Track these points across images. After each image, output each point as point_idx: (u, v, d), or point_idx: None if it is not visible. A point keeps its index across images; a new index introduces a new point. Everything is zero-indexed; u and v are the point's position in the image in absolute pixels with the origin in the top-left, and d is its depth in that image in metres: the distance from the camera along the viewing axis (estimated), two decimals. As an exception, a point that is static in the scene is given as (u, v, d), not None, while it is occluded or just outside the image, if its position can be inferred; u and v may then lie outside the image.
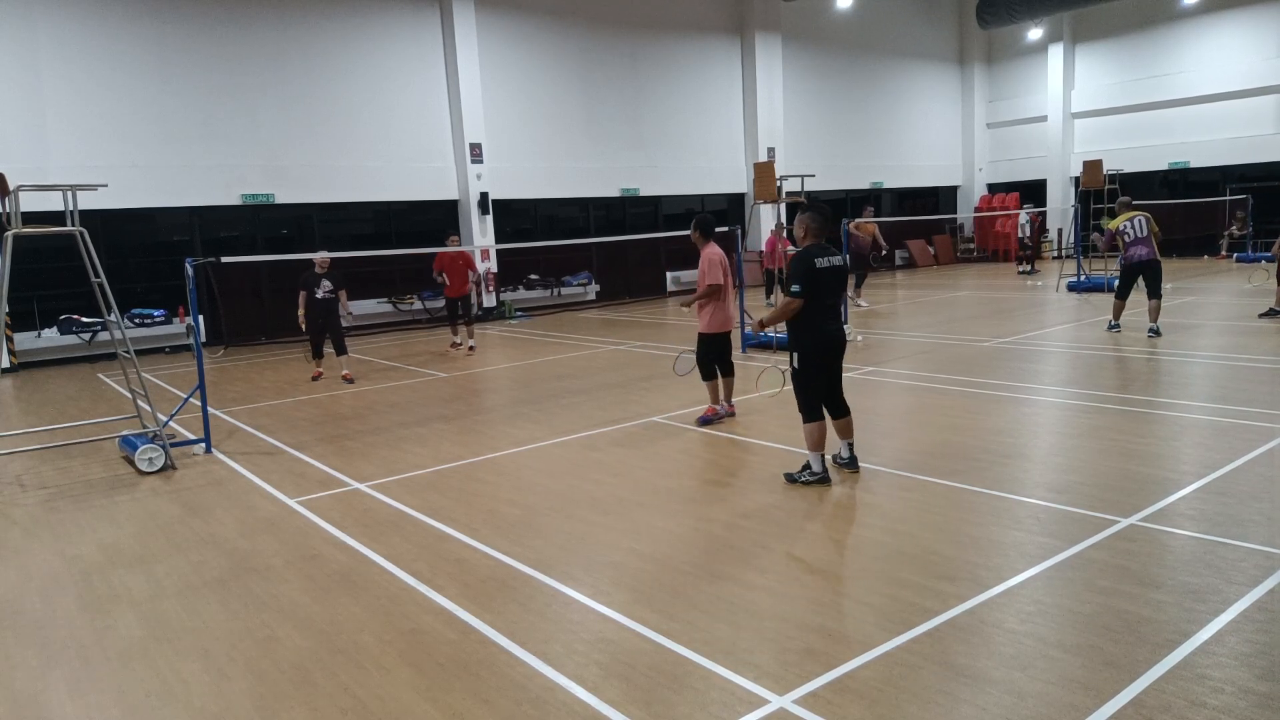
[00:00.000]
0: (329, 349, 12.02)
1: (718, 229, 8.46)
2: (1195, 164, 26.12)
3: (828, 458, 6.49)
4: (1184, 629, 3.92)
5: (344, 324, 12.07)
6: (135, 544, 5.84)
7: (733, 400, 8.52)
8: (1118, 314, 12.61)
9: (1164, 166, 26.77)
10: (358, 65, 18.17)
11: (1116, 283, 12.70)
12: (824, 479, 6.24)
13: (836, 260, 6.15)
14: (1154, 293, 12.03)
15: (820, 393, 6.26)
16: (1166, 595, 4.26)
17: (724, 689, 3.64)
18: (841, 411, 6.44)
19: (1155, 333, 11.84)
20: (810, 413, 6.21)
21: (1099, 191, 18.19)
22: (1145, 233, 11.99)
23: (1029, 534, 5.17)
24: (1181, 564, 4.64)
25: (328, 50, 17.78)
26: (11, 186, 7.24)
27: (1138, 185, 26.06)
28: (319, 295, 11.68)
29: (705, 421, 8.31)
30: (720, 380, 8.41)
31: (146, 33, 15.75)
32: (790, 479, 6.34)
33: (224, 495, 6.88)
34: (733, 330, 8.45)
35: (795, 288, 5.99)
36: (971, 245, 30.71)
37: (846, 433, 6.52)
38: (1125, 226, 12.18)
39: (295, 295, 11.47)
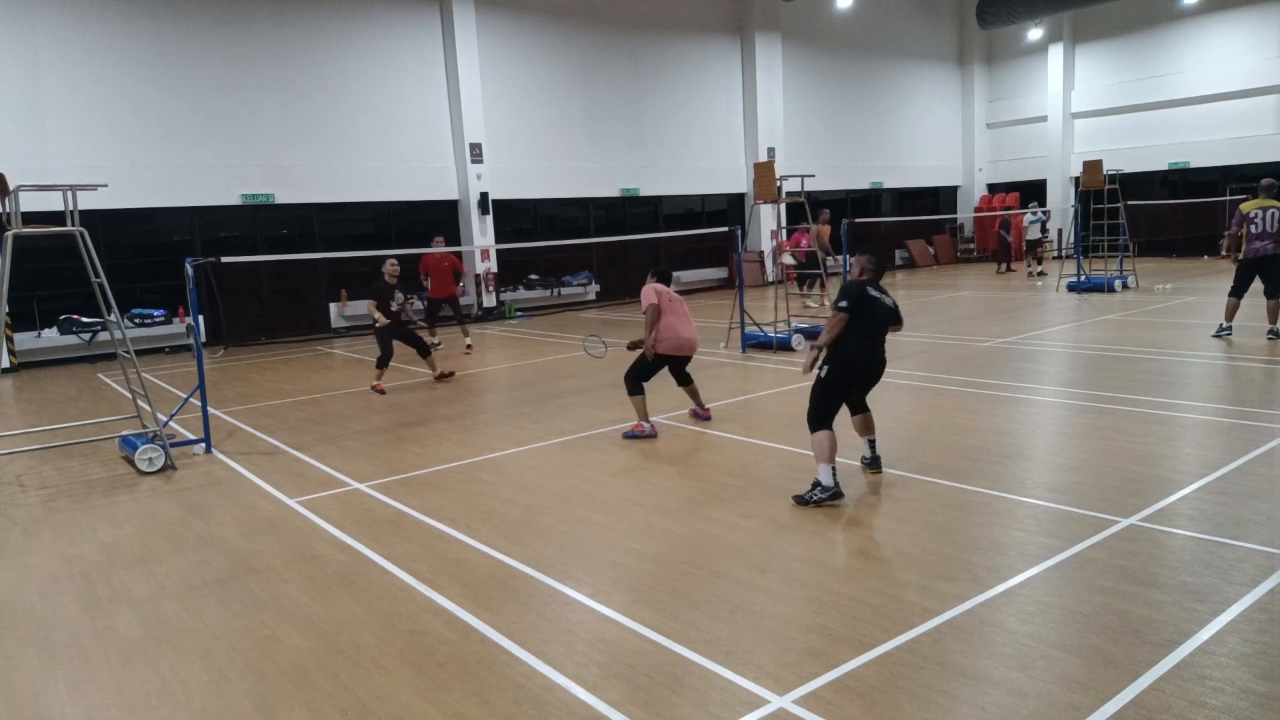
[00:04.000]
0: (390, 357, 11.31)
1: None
2: (1195, 164, 26.12)
3: (838, 466, 6.47)
4: (1184, 629, 3.92)
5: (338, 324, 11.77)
6: (135, 544, 5.84)
7: (705, 405, 8.53)
8: (1231, 314, 11.42)
9: (1164, 166, 26.77)
10: (358, 65, 18.16)
11: (1233, 279, 11.45)
12: (836, 493, 5.89)
13: (888, 301, 6.36)
14: (1273, 292, 11.13)
15: (834, 408, 6.19)
16: (1166, 595, 4.26)
17: (724, 689, 3.64)
18: (860, 408, 6.48)
19: (1276, 335, 11.17)
20: (818, 422, 6.08)
21: (1099, 191, 18.17)
22: (1274, 227, 11.04)
23: (1029, 534, 5.17)
24: (1181, 564, 4.64)
25: (328, 50, 17.77)
26: (11, 186, 7.24)
27: (1138, 185, 26.07)
28: (393, 308, 11.04)
29: (631, 436, 7.98)
30: (686, 389, 8.43)
31: (146, 32, 15.75)
32: (800, 500, 5.94)
33: (224, 495, 6.88)
34: (690, 354, 8.26)
35: (843, 304, 6.14)
36: (971, 245, 30.71)
37: (867, 429, 6.51)
38: (1255, 214, 11.05)
39: (296, 296, 11.43)
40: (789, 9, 25.07)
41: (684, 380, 8.42)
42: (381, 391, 11.02)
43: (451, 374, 11.69)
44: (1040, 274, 22.50)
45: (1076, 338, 12.43)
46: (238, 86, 16.75)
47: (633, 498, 6.26)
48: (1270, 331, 11.30)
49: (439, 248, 14.05)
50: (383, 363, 11.10)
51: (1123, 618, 4.05)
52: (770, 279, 23.39)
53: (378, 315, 10.99)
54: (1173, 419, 7.65)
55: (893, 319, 6.36)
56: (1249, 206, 11.24)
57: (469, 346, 14.30)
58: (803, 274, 18.18)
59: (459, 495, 6.54)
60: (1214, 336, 11.60)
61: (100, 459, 8.26)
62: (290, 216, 18.12)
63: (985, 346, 11.99)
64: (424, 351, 11.41)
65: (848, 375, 6.20)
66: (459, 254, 16.73)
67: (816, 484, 5.95)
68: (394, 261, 11.24)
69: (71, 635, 4.51)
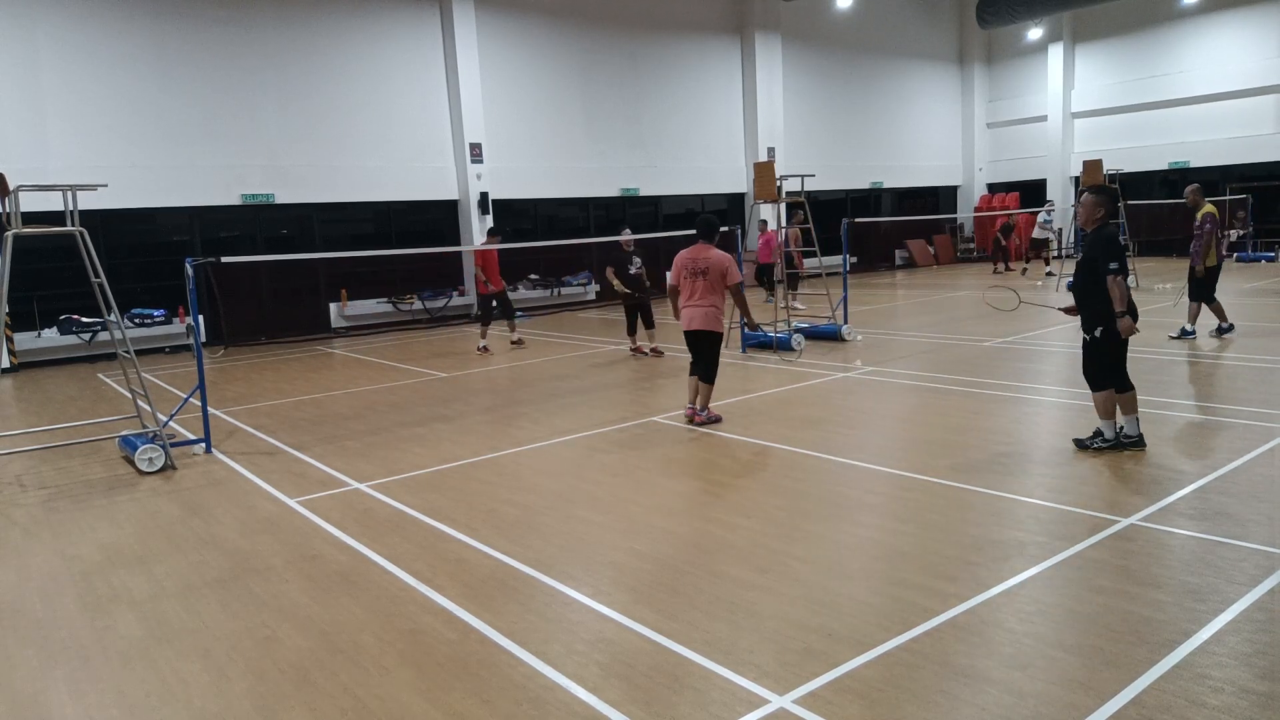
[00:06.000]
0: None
1: (720, 229, 8.31)
2: (1195, 164, 26.11)
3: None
4: (1184, 629, 3.92)
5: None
6: (135, 544, 5.84)
7: (702, 408, 8.44)
8: (1222, 314, 11.76)
9: (1164, 166, 26.77)
10: (358, 65, 18.16)
11: (1201, 284, 11.73)
12: (1115, 444, 6.57)
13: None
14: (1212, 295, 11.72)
15: (1114, 367, 6.51)
16: (1166, 595, 4.26)
17: (724, 689, 3.64)
18: (1126, 386, 6.64)
19: (1187, 334, 11.68)
20: (1098, 383, 6.57)
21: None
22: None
23: (1029, 534, 5.17)
24: (1181, 564, 4.64)
25: (328, 50, 17.77)
26: (11, 186, 7.24)
27: (1138, 185, 26.08)
28: (632, 271, 12.12)
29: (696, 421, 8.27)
30: (697, 381, 8.35)
31: (146, 33, 15.75)
32: (1080, 445, 6.69)
33: (224, 495, 6.88)
34: (691, 329, 8.15)
35: (1114, 265, 6.18)
36: (971, 245, 30.71)
37: (1131, 408, 6.65)
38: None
39: (296, 296, 11.47)
40: (789, 9, 25.08)
41: (696, 371, 8.26)
42: (647, 352, 12.33)
43: (659, 351, 12.46)
44: (1005, 270, 22.74)
45: (1076, 338, 12.35)
46: (238, 86, 16.75)
47: (633, 498, 6.26)
48: (1184, 330, 11.73)
49: (496, 243, 13.77)
50: (633, 329, 12.43)
51: (1123, 618, 4.05)
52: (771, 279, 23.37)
53: (617, 283, 12.10)
54: (1173, 419, 7.65)
55: None
56: (1214, 209, 11.78)
57: (517, 340, 14.54)
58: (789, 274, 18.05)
59: (459, 495, 6.54)
60: (1214, 336, 11.69)
61: (100, 459, 8.26)
62: (290, 216, 18.12)
63: (985, 346, 11.99)
64: (650, 322, 12.27)
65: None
66: (459, 254, 16.74)
67: (1098, 433, 6.66)
68: (628, 232, 12.59)
69: (71, 635, 4.51)
